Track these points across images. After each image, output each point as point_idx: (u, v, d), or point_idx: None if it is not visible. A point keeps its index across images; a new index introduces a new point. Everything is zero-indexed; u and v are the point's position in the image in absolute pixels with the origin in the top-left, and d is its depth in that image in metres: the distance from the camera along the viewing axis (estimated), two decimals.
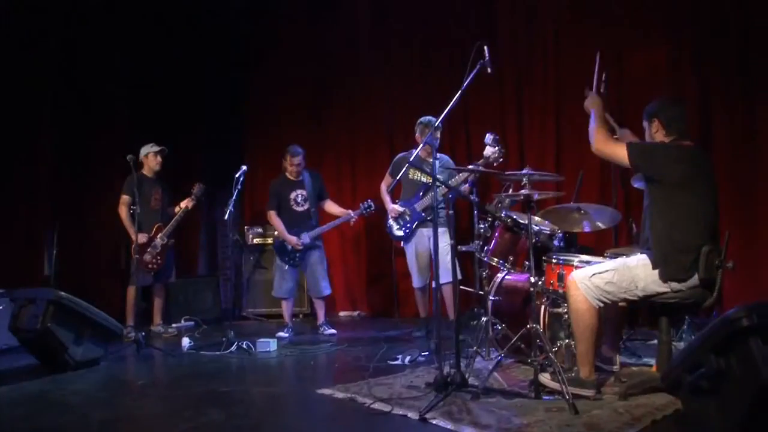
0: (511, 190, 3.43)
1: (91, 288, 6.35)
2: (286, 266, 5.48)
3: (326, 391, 3.26)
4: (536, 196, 3.10)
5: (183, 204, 5.73)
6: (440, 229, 4.63)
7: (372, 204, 5.37)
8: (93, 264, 6.46)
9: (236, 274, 7.14)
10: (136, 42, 6.77)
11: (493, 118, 5.98)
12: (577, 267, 3.08)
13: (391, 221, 5.17)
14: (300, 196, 5.54)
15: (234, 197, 5.10)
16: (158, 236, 5.63)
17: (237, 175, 5.18)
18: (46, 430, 2.81)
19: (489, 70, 3.19)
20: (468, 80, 3.15)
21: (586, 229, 3.64)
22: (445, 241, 4.07)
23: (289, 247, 5.42)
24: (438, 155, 4.99)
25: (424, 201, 4.97)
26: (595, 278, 2.85)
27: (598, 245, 4.56)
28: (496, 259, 3.43)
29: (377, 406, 2.96)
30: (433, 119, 4.88)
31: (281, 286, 5.55)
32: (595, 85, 3.25)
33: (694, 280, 2.77)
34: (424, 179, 5.02)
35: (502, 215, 3.33)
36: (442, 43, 6.43)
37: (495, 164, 4.22)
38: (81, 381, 3.73)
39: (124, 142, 6.57)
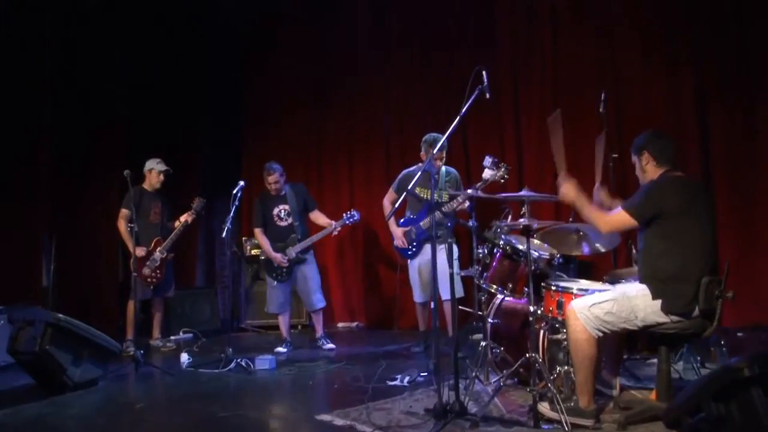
0: (509, 217, 3.43)
1: (89, 299, 6.40)
2: (275, 282, 5.48)
3: (325, 418, 3.26)
4: (535, 225, 3.10)
5: (183, 218, 5.71)
6: (440, 246, 4.73)
7: (355, 214, 5.36)
8: (91, 273, 6.44)
9: (234, 286, 7.15)
10: (136, 42, 6.78)
11: (491, 119, 6.00)
12: (576, 295, 3.08)
13: (399, 247, 5.17)
14: (283, 211, 5.52)
15: (232, 214, 5.09)
16: (157, 250, 5.62)
17: (235, 192, 5.16)
18: None
19: (488, 95, 3.18)
20: (467, 105, 3.15)
21: (585, 251, 3.63)
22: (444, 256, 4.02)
23: (275, 263, 5.42)
24: (446, 169, 5.01)
25: (429, 219, 4.94)
26: (594, 308, 2.85)
27: (597, 266, 4.56)
28: (495, 286, 3.43)
29: None
30: (438, 137, 4.82)
31: (272, 302, 5.55)
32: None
33: (695, 311, 2.77)
34: (429, 197, 4.95)
35: (501, 242, 3.32)
36: (442, 43, 6.44)
37: (498, 182, 4.24)
38: (79, 404, 3.72)
39: (124, 142, 6.64)
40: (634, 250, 4.05)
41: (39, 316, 3.98)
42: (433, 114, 6.46)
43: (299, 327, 6.65)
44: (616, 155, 4.57)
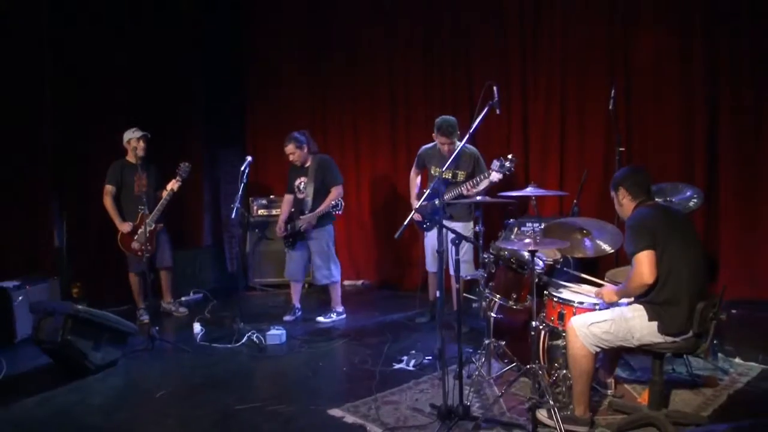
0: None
1: (101, 257, 6.54)
2: (286, 248, 5.64)
3: (337, 413, 3.47)
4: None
5: (169, 186, 5.55)
6: (456, 223, 4.82)
7: (339, 204, 5.40)
8: (101, 232, 6.56)
9: (241, 246, 7.28)
10: (136, 6, 6.63)
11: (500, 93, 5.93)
12: (576, 309, 3.20)
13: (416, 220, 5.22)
14: (302, 183, 5.55)
15: (240, 192, 5.13)
16: (144, 224, 5.49)
17: (242, 168, 5.17)
18: None
19: (498, 111, 3.16)
20: (478, 121, 3.14)
21: (590, 252, 3.69)
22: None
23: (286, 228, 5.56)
24: (464, 147, 4.87)
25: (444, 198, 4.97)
26: (593, 327, 2.98)
27: (599, 263, 4.62)
28: (498, 296, 3.54)
29: None
30: (446, 122, 4.83)
31: (286, 268, 5.72)
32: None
33: (689, 332, 2.89)
34: (445, 176, 4.91)
35: (506, 255, 3.40)
36: (447, 9, 6.29)
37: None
38: (102, 392, 3.94)
39: (126, 106, 6.54)
40: None
41: (59, 308, 4.14)
42: (438, 79, 6.40)
43: (306, 286, 6.85)
44: (623, 149, 4.55)
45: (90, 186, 6.40)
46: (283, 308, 5.93)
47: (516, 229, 3.80)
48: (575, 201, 4.69)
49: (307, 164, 5.53)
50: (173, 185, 5.55)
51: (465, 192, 4.73)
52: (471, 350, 4.16)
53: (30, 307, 4.50)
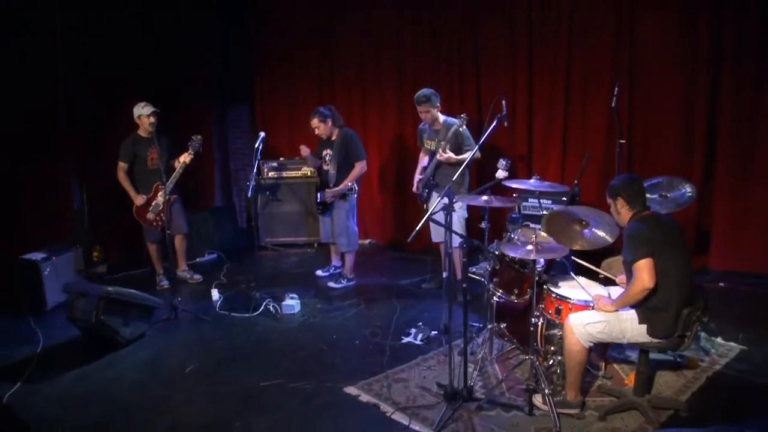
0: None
1: (119, 223, 6.79)
2: (318, 214, 6.03)
3: (353, 391, 3.82)
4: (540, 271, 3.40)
5: (181, 159, 5.70)
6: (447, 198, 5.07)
7: (354, 188, 5.70)
8: (118, 200, 6.78)
9: (252, 208, 7.49)
10: None
11: (505, 72, 6.03)
12: (573, 306, 3.49)
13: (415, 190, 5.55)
14: (328, 155, 5.77)
15: (255, 170, 5.32)
16: (159, 195, 5.71)
17: (256, 145, 5.35)
18: None
19: (506, 123, 3.33)
20: (487, 133, 3.31)
21: (588, 244, 3.91)
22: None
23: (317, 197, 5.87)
24: (448, 121, 5.17)
25: (429, 168, 5.31)
26: (589, 327, 3.28)
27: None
28: (501, 291, 3.82)
29: (397, 416, 3.53)
30: (423, 94, 5.16)
31: (321, 231, 6.13)
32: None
33: (674, 335, 3.19)
34: (432, 148, 5.30)
35: (509, 257, 3.64)
36: None
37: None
38: (135, 367, 4.29)
39: (137, 71, 6.69)
40: None
41: (92, 289, 4.44)
42: (446, 41, 6.44)
43: (315, 245, 7.17)
44: (623, 141, 4.71)
45: (106, 156, 6.60)
46: (294, 268, 6.46)
47: (519, 228, 4.03)
48: (576, 182, 4.90)
49: (333, 137, 5.73)
50: (185, 158, 5.68)
51: (438, 156, 5.06)
52: (475, 325, 4.50)
53: (63, 287, 4.80)
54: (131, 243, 6.80)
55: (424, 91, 5.19)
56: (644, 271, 3.09)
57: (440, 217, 3.55)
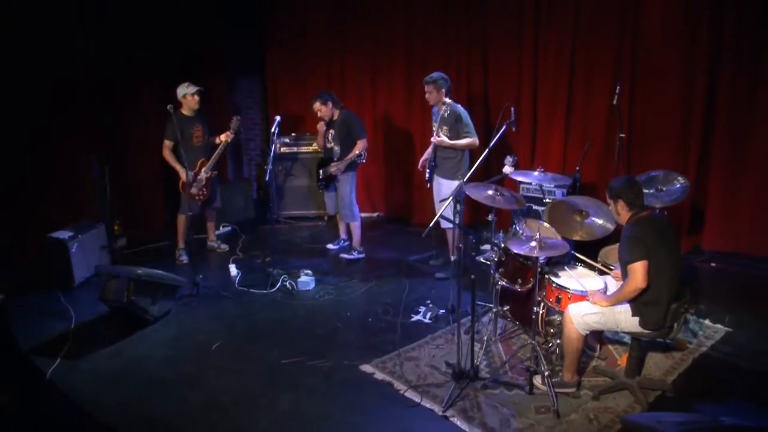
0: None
1: (138, 198, 7.08)
2: (320, 190, 6.41)
3: (368, 369, 4.16)
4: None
5: (222, 137, 6.07)
6: (443, 180, 5.36)
7: (363, 154, 5.95)
8: (137, 176, 7.06)
9: (261, 182, 7.78)
10: None
11: (511, 54, 6.20)
12: (572, 296, 3.79)
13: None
14: (330, 134, 6.12)
15: (272, 154, 5.55)
16: (202, 170, 6.08)
17: (272, 129, 5.58)
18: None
19: (514, 129, 3.56)
20: (496, 138, 3.55)
21: (588, 235, 4.19)
22: (444, 193, 5.03)
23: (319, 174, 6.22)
24: (451, 107, 5.36)
25: (429, 150, 5.60)
26: (586, 317, 3.59)
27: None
28: (506, 280, 4.12)
29: (409, 394, 3.88)
30: (431, 77, 5.40)
31: (326, 206, 6.54)
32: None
33: (663, 326, 3.50)
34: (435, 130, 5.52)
35: (514, 251, 3.91)
36: None
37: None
38: (164, 343, 4.61)
39: (153, 47, 6.86)
40: None
41: (123, 272, 4.75)
42: (455, 24, 6.57)
43: (325, 218, 7.45)
44: (623, 135, 4.91)
45: (123, 131, 6.84)
46: (306, 242, 6.82)
47: (523, 220, 4.29)
48: (577, 168, 5.14)
49: (335, 118, 6.05)
50: (226, 137, 6.05)
51: (432, 140, 5.38)
52: (481, 304, 4.81)
53: (96, 270, 5.10)
54: (149, 217, 7.10)
55: (434, 74, 5.42)
56: (638, 273, 3.37)
57: (447, 212, 3.80)
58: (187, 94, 5.99)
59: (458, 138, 5.31)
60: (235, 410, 3.80)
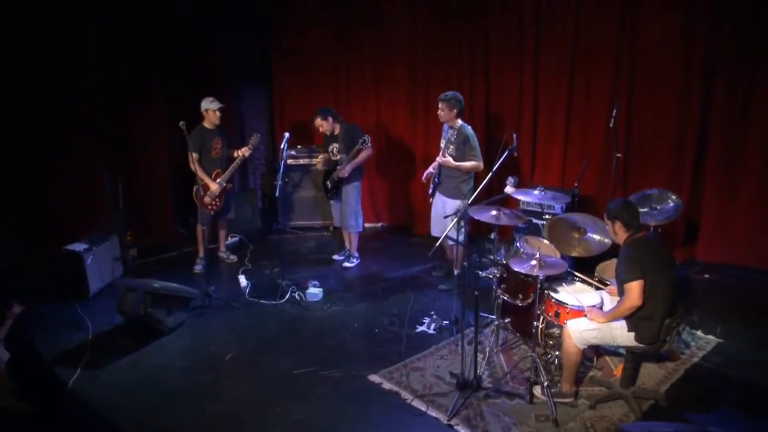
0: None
1: (149, 211, 7.27)
2: (329, 199, 6.62)
3: (376, 379, 4.36)
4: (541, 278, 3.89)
5: (240, 152, 6.28)
6: (446, 198, 5.59)
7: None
8: (147, 190, 7.24)
9: (268, 193, 7.98)
10: None
11: (512, 73, 6.43)
12: (570, 310, 4.01)
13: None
14: (335, 148, 6.33)
15: (282, 170, 5.75)
16: (217, 181, 6.26)
17: (282, 146, 5.78)
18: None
19: (516, 154, 3.76)
20: (499, 163, 3.76)
21: (586, 252, 4.41)
22: (447, 211, 5.22)
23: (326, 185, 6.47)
24: (460, 125, 5.56)
25: (434, 167, 5.74)
26: (584, 333, 3.81)
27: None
28: (508, 295, 4.33)
29: (415, 403, 4.08)
30: (447, 93, 5.55)
31: (333, 216, 6.77)
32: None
33: (657, 341, 3.71)
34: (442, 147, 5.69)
35: (515, 270, 4.13)
36: None
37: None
38: (180, 354, 4.81)
39: (160, 63, 7.03)
40: None
41: (140, 285, 4.95)
42: (457, 39, 6.78)
43: (331, 228, 7.65)
44: (619, 155, 5.13)
45: (134, 143, 7.03)
46: (313, 252, 7.09)
47: (524, 238, 4.51)
48: (576, 183, 5.36)
49: (336, 132, 6.26)
50: (244, 152, 6.27)
51: (438, 159, 5.56)
52: (484, 316, 5.01)
53: (113, 283, 5.30)
54: (158, 227, 7.30)
55: (449, 93, 5.56)
56: (635, 292, 3.58)
57: (451, 232, 4.02)
58: (210, 110, 6.19)
59: (464, 159, 5.43)
60: (250, 420, 3.99)
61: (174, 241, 7.15)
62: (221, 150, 6.32)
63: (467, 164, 5.43)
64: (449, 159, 5.46)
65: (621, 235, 3.81)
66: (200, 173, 6.16)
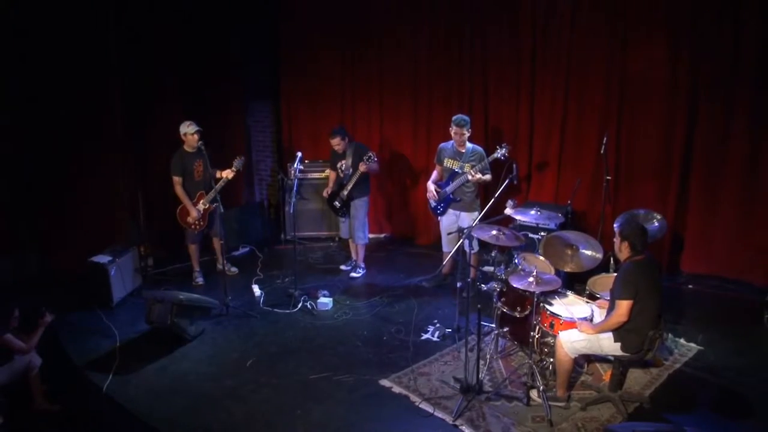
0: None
1: (164, 225, 7.58)
2: (339, 216, 7.01)
3: (386, 384, 4.77)
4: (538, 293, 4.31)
5: (224, 174, 6.41)
6: (463, 213, 5.98)
7: (373, 155, 6.43)
8: (162, 206, 7.54)
9: (278, 206, 8.37)
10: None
11: (509, 98, 6.89)
12: (563, 322, 4.43)
13: (430, 199, 6.38)
14: (344, 164, 6.71)
15: (295, 190, 6.15)
16: (200, 203, 6.51)
17: (294, 166, 6.17)
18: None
19: (515, 182, 4.18)
20: (499, 192, 4.18)
21: (579, 264, 4.84)
22: (466, 224, 5.59)
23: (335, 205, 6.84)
24: (473, 147, 6.01)
25: (452, 185, 6.14)
26: (575, 343, 4.24)
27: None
28: (507, 308, 4.76)
29: (423, 406, 4.49)
30: (458, 119, 5.92)
31: (340, 229, 7.21)
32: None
33: (642, 350, 4.14)
34: (455, 168, 6.13)
35: (514, 285, 4.55)
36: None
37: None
38: (203, 360, 5.20)
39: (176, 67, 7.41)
40: (612, 260, 5.31)
41: (167, 297, 5.34)
42: (459, 57, 7.21)
43: (337, 238, 8.04)
44: (609, 177, 5.57)
45: (151, 157, 7.38)
46: (321, 263, 7.52)
47: (523, 256, 4.94)
48: (569, 201, 5.79)
49: (347, 151, 6.68)
50: (228, 174, 6.43)
51: (469, 177, 5.92)
52: (485, 324, 5.41)
53: (143, 294, 5.69)
54: (173, 238, 7.65)
55: (463, 116, 6.00)
56: (623, 309, 4.00)
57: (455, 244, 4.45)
58: (188, 133, 6.34)
59: (482, 175, 5.91)
60: (276, 421, 4.39)
61: (187, 251, 7.51)
62: (203, 171, 6.43)
63: (487, 177, 5.92)
64: (479, 175, 5.85)
65: (625, 253, 4.20)
66: (182, 197, 6.43)
